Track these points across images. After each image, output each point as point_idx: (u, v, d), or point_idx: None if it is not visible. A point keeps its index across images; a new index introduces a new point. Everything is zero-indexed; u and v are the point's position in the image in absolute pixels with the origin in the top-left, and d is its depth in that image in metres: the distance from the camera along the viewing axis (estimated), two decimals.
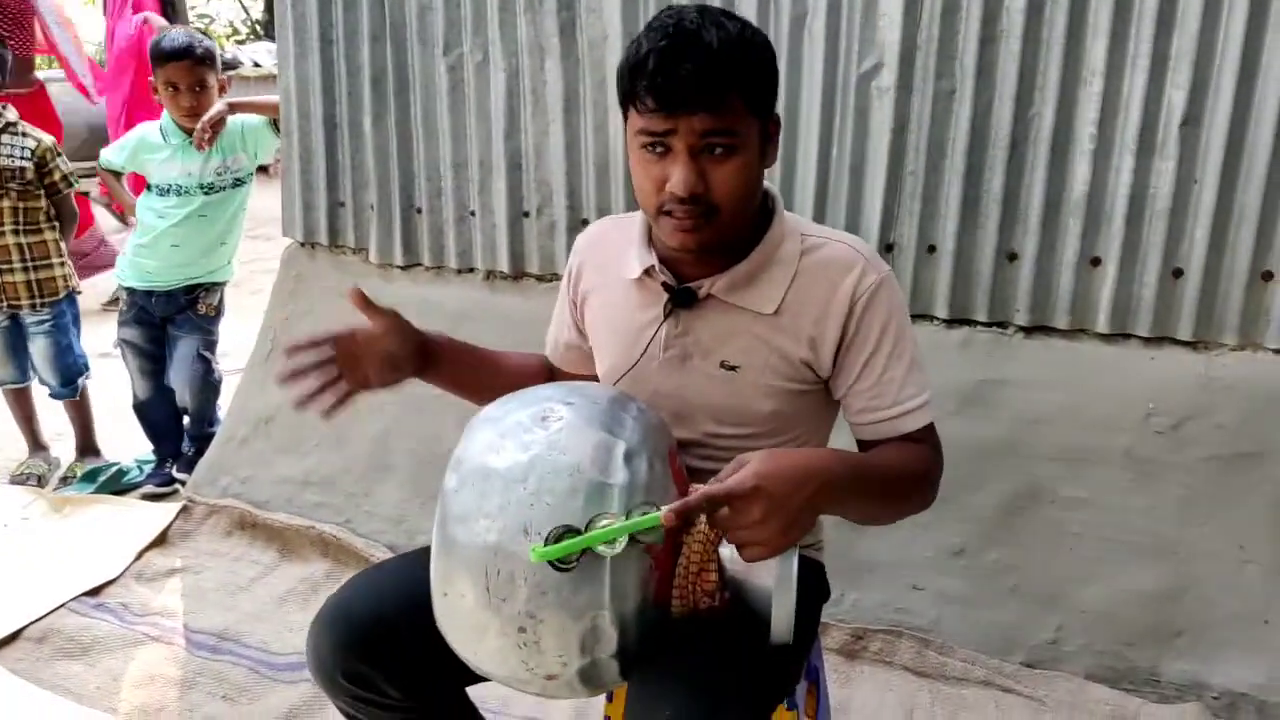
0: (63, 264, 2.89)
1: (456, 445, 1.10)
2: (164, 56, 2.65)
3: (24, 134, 2.79)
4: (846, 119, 2.00)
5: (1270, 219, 1.76)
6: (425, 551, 1.24)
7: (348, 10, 2.47)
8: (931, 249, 2.00)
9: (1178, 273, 1.84)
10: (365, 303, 1.28)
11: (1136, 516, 1.87)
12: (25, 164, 2.76)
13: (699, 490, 0.99)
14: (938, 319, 2.02)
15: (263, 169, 3.01)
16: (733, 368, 1.22)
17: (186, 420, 2.97)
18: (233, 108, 2.74)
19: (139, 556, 2.42)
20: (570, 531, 0.98)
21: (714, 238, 1.14)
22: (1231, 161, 1.75)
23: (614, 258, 1.31)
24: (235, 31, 13.44)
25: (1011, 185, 1.91)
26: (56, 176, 2.84)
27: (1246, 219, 1.77)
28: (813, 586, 1.32)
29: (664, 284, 1.22)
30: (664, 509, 0.97)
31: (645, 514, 0.98)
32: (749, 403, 1.22)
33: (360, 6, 2.45)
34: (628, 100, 1.13)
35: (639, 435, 1.08)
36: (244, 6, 12.56)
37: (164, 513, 2.61)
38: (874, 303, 1.18)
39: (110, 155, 2.84)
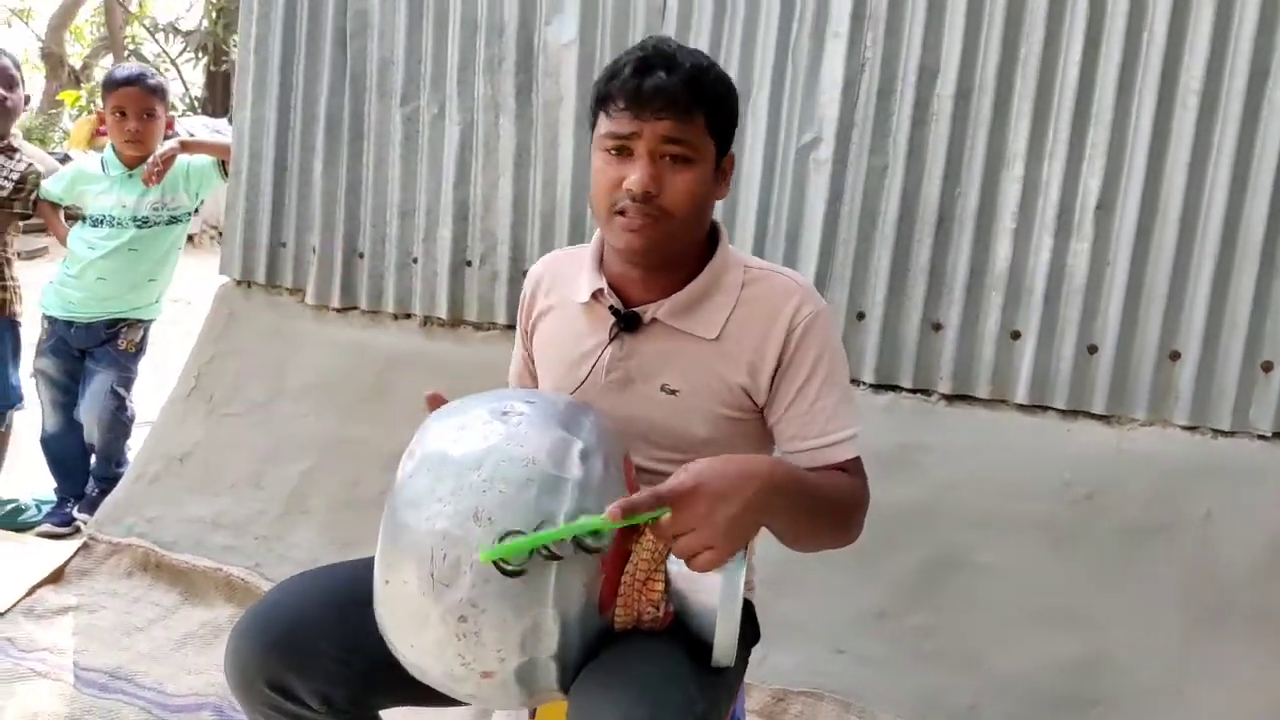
0: (2, 287, 2.80)
1: (413, 438, 1.10)
2: (115, 83, 2.66)
3: (19, 159, 2.76)
4: (785, 187, 2.09)
5: (1177, 301, 1.87)
6: (356, 561, 1.23)
7: (310, 59, 2.51)
8: (861, 315, 2.07)
9: (1092, 349, 1.93)
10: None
11: (1053, 584, 1.92)
12: (5, 184, 2.72)
13: (645, 491, 1.00)
14: (865, 383, 2.08)
15: (189, 238, 2.99)
16: (673, 391, 1.24)
17: (93, 459, 2.86)
18: (185, 146, 2.74)
19: (30, 593, 2.28)
20: (517, 534, 0.97)
21: (660, 243, 1.18)
22: (1141, 245, 1.87)
23: (565, 283, 1.34)
24: (174, 107, 13.48)
25: (937, 258, 2.01)
26: (23, 196, 2.78)
27: (1155, 300, 1.88)
28: (743, 626, 1.32)
29: (610, 307, 1.26)
30: (609, 507, 0.98)
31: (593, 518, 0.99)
32: (687, 426, 1.25)
33: (323, 56, 2.50)
34: (599, 106, 1.19)
35: (595, 437, 1.09)
36: (184, 82, 12.64)
37: (61, 550, 2.48)
38: (809, 332, 1.22)
39: (49, 185, 2.81)
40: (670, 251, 1.21)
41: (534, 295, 1.41)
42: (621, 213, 1.17)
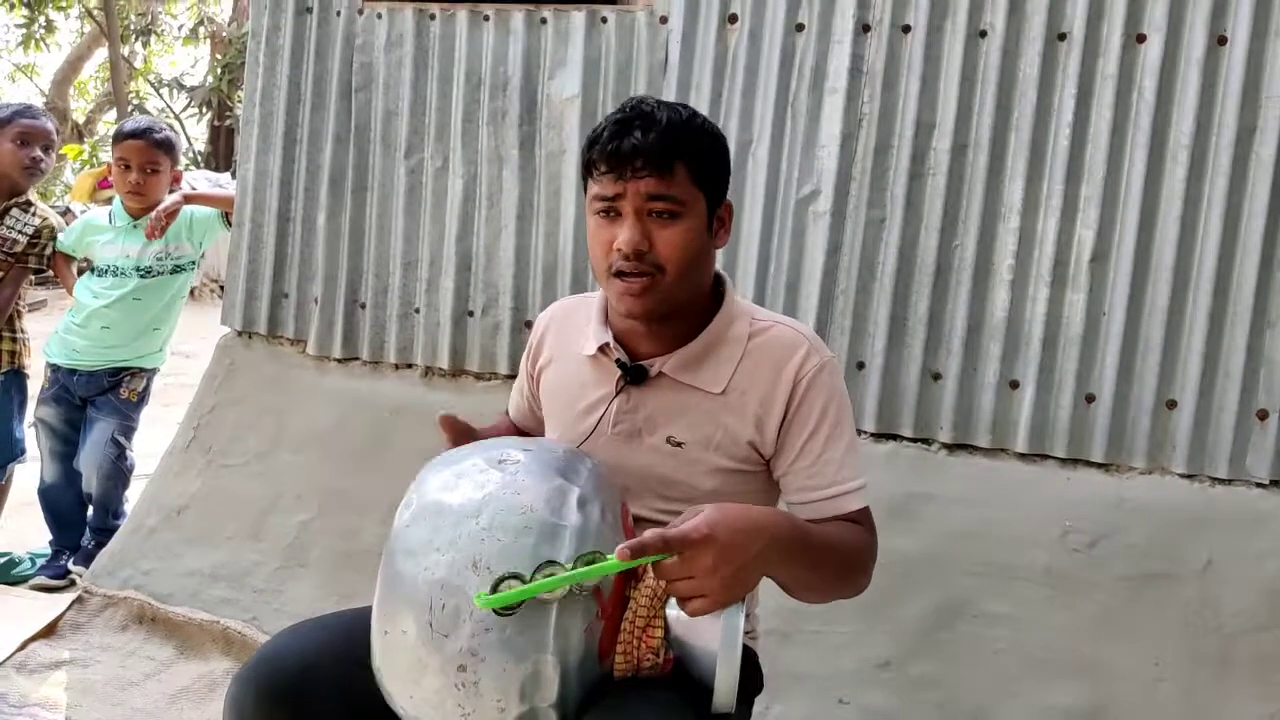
0: (13, 339, 2.81)
1: (409, 487, 1.10)
2: (122, 135, 2.71)
3: (35, 214, 2.80)
4: (784, 239, 2.12)
5: (1172, 350, 1.89)
6: (356, 610, 1.22)
7: (314, 112, 2.56)
8: (861, 365, 2.09)
9: (1090, 398, 1.95)
10: (457, 427, 1.27)
11: (1055, 633, 1.91)
12: (20, 238, 2.74)
13: (653, 533, 1.00)
14: (865, 432, 2.08)
15: (190, 292, 3.02)
16: (678, 444, 1.25)
17: (90, 511, 2.84)
18: (189, 200, 2.77)
19: (22, 647, 2.25)
20: (515, 579, 0.97)
21: (660, 303, 1.20)
22: (1137, 295, 1.90)
23: (573, 334, 1.36)
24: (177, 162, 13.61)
25: (936, 309, 2.03)
26: (37, 250, 2.81)
27: (1151, 349, 1.90)
28: (745, 674, 1.31)
29: (617, 361, 1.27)
30: (619, 546, 0.98)
31: (594, 563, 0.99)
32: (692, 479, 1.25)
33: (327, 109, 2.54)
34: (586, 171, 1.22)
35: (593, 485, 1.09)
36: (188, 138, 12.79)
37: (55, 603, 2.46)
38: (816, 383, 1.23)
39: (62, 238, 2.85)
40: (671, 307, 1.22)
41: (540, 343, 1.42)
42: (619, 275, 1.19)
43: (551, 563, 0.99)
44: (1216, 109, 1.84)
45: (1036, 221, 1.96)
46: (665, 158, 1.16)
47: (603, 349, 1.29)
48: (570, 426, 1.32)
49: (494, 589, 0.96)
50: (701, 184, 1.20)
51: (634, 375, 1.26)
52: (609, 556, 0.99)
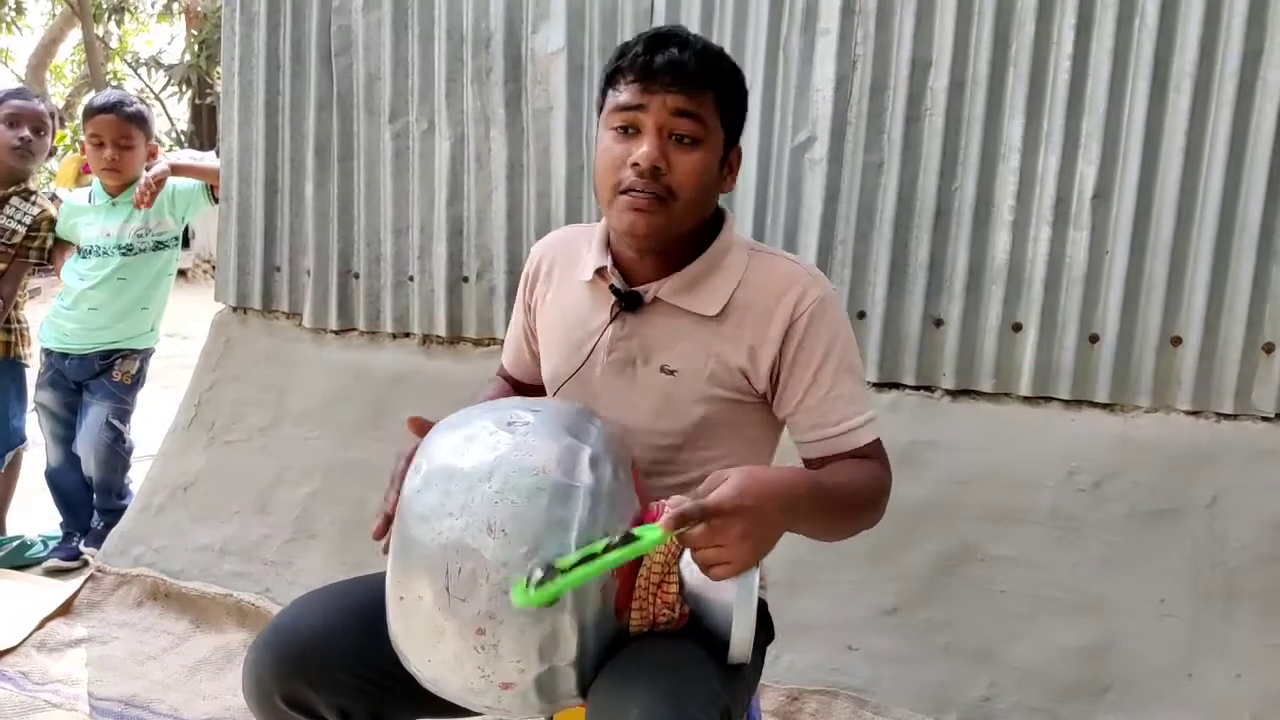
0: (7, 329, 2.79)
1: (417, 453, 1.09)
2: (92, 111, 2.66)
3: (35, 203, 2.76)
4: (781, 188, 2.09)
5: (1177, 287, 1.87)
6: (373, 576, 1.22)
7: (295, 79, 2.51)
8: (862, 314, 2.07)
9: (1094, 338, 1.93)
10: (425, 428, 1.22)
11: (1062, 573, 1.91)
12: (19, 228, 2.72)
13: (687, 502, 0.97)
14: (867, 382, 2.07)
15: (180, 272, 2.98)
16: (671, 372, 1.23)
17: (95, 493, 2.84)
18: (175, 169, 2.73)
19: (40, 626, 2.27)
20: (550, 571, 0.93)
21: (663, 228, 1.17)
22: (1140, 232, 1.87)
23: (572, 261, 1.34)
24: (160, 141, 13.43)
25: (936, 253, 2.01)
26: (37, 244, 2.79)
27: (1155, 287, 1.88)
28: (758, 625, 1.31)
29: (611, 286, 1.25)
30: (662, 519, 0.96)
31: (629, 543, 0.95)
32: (684, 407, 1.23)
33: (308, 76, 2.49)
34: (608, 83, 1.18)
35: (603, 444, 1.09)
36: (170, 117, 12.61)
37: (69, 584, 2.47)
38: (817, 319, 1.20)
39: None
40: (672, 235, 1.19)
41: (536, 272, 1.39)
42: (626, 191, 1.15)
43: (589, 544, 0.96)
44: (1221, 32, 1.79)
45: (1037, 159, 1.93)
46: (699, 78, 1.14)
47: (599, 273, 1.27)
48: (566, 358, 1.30)
49: (530, 585, 0.93)
50: (724, 118, 1.18)
51: (629, 301, 1.24)
52: (638, 534, 0.96)
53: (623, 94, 1.16)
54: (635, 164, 1.14)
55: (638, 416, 1.25)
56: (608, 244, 1.28)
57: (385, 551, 1.07)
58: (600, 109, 1.22)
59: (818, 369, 1.20)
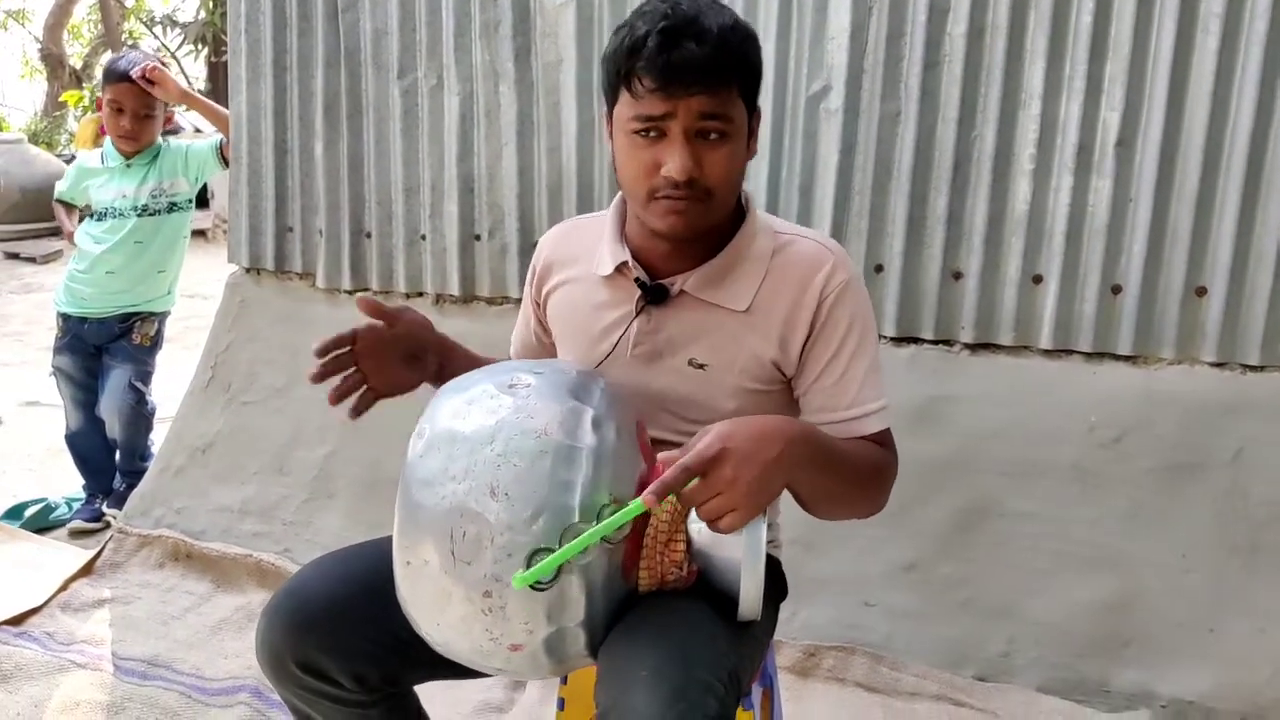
0: None
1: (420, 418, 1.08)
2: (114, 76, 2.64)
3: None
4: (796, 140, 2.05)
5: (1202, 236, 1.82)
6: (378, 540, 1.22)
7: (302, 36, 2.48)
8: (879, 268, 2.03)
9: (1116, 289, 1.89)
10: (378, 309, 1.27)
11: (1083, 528, 1.90)
12: None
13: (671, 467, 0.97)
14: (886, 337, 2.04)
15: (199, 233, 2.97)
16: (701, 365, 1.22)
17: (118, 455, 2.87)
18: (186, 97, 2.72)
19: (64, 587, 2.31)
20: (543, 551, 0.95)
21: (703, 221, 1.15)
22: (1164, 181, 1.82)
23: (583, 254, 1.30)
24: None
25: (955, 205, 1.97)
26: None
27: (1180, 236, 1.83)
28: (770, 582, 1.30)
29: (637, 280, 1.22)
30: (645, 493, 0.96)
31: (615, 512, 0.96)
32: (713, 400, 1.22)
33: (315, 33, 2.46)
34: (620, 83, 1.11)
35: (606, 405, 1.07)
36: (186, 76, 12.54)
37: (92, 545, 2.50)
38: (841, 301, 1.18)
39: (60, 185, 2.82)
40: (710, 224, 1.17)
41: (544, 270, 1.36)
42: (663, 197, 1.12)
43: (576, 526, 0.97)
44: None
45: (1059, 106, 1.87)
46: (722, 74, 1.08)
47: (620, 269, 1.24)
48: (587, 349, 1.28)
49: (526, 566, 0.95)
50: (746, 98, 1.13)
51: (655, 295, 1.21)
52: (628, 501, 0.97)
53: (643, 101, 1.09)
54: (669, 176, 1.10)
55: (665, 408, 1.23)
56: (622, 235, 1.25)
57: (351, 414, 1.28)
58: (609, 101, 1.16)
59: (836, 350, 1.18)
